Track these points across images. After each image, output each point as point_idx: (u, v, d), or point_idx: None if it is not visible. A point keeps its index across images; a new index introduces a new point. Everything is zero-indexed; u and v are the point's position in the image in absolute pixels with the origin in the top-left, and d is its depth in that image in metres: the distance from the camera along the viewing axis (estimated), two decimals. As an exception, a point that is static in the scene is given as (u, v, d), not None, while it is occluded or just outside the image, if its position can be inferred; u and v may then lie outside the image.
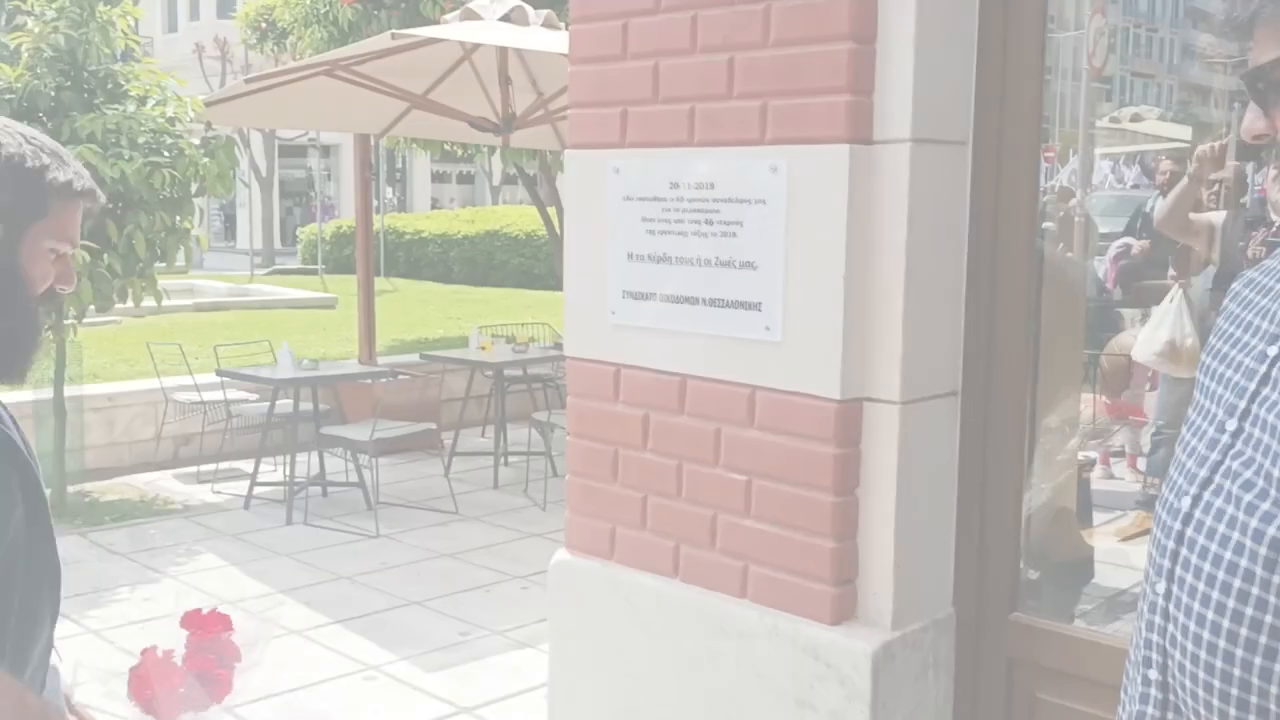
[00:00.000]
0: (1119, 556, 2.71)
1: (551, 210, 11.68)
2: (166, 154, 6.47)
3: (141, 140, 6.37)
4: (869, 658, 2.28)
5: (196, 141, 6.78)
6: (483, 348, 8.33)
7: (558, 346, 8.25)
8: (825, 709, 2.34)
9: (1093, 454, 3.41)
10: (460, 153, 13.21)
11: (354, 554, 6.23)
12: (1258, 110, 1.32)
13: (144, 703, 1.76)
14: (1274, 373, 1.30)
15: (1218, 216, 3.80)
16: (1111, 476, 4.50)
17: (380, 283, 15.09)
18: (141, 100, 6.66)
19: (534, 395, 8.84)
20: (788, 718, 2.39)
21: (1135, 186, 6.32)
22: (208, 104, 7.20)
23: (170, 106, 6.69)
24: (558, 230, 10.90)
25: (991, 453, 2.43)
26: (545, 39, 6.57)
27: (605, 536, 2.74)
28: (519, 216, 22.12)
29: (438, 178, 38.87)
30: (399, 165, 36.39)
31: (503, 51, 6.98)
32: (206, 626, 1.83)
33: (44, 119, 6.35)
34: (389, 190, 33.90)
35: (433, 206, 34.12)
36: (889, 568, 2.35)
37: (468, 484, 7.74)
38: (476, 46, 6.95)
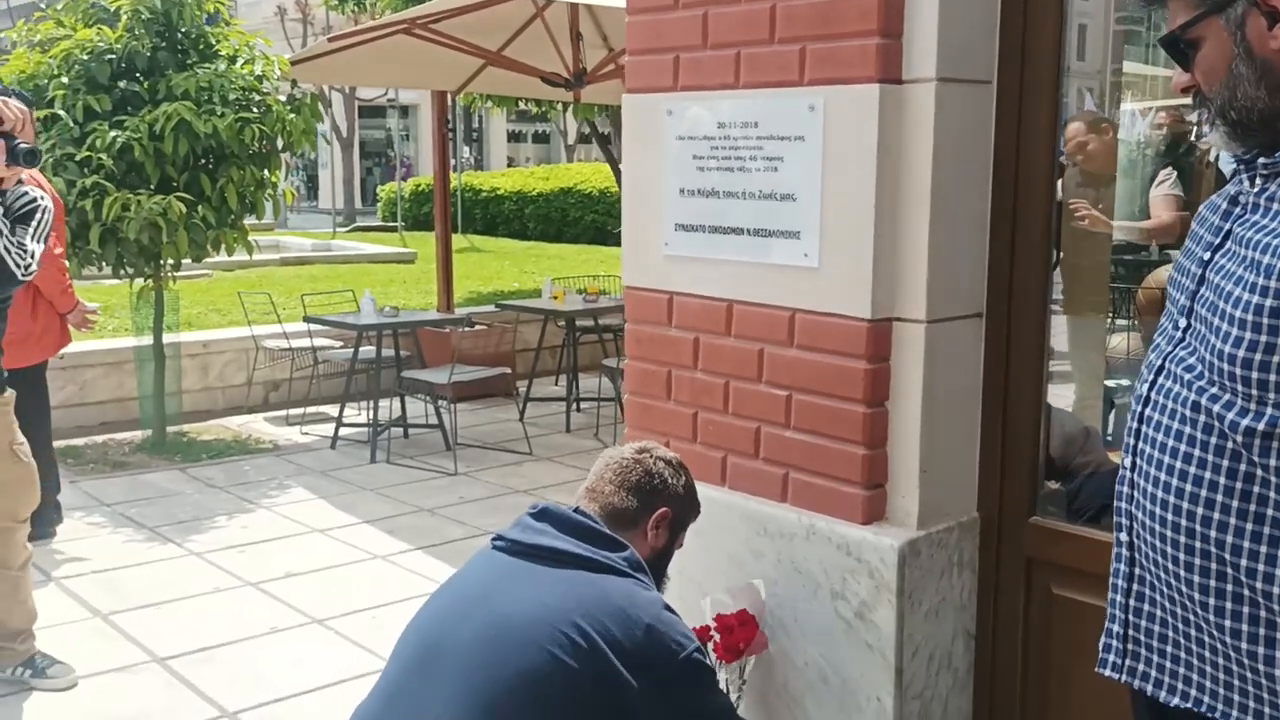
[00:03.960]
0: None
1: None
2: (255, 110, 6.81)
3: (232, 97, 6.71)
4: (896, 552, 2.51)
5: (283, 99, 7.12)
6: (555, 298, 8.61)
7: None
8: (856, 599, 2.58)
9: (1125, 381, 3.58)
10: (535, 111, 13.45)
11: (433, 489, 6.58)
12: (1179, 68, 1.56)
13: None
14: (1208, 274, 1.54)
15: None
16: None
17: (457, 240, 15.44)
18: (231, 59, 7.00)
19: (604, 345, 9.12)
20: (823, 607, 2.64)
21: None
22: (292, 63, 7.52)
23: (258, 65, 7.02)
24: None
25: (1013, 371, 2.63)
26: (614, -6, 6.76)
27: (660, 449, 2.99)
28: (593, 174, 22.36)
29: (513, 137, 39.29)
30: (475, 125, 36.85)
31: (573, 7, 7.19)
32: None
33: (141, 78, 6.73)
34: (466, 150, 34.36)
35: (509, 165, 34.53)
36: (914, 473, 2.58)
37: (541, 428, 8.06)
38: (549, 3, 7.17)
